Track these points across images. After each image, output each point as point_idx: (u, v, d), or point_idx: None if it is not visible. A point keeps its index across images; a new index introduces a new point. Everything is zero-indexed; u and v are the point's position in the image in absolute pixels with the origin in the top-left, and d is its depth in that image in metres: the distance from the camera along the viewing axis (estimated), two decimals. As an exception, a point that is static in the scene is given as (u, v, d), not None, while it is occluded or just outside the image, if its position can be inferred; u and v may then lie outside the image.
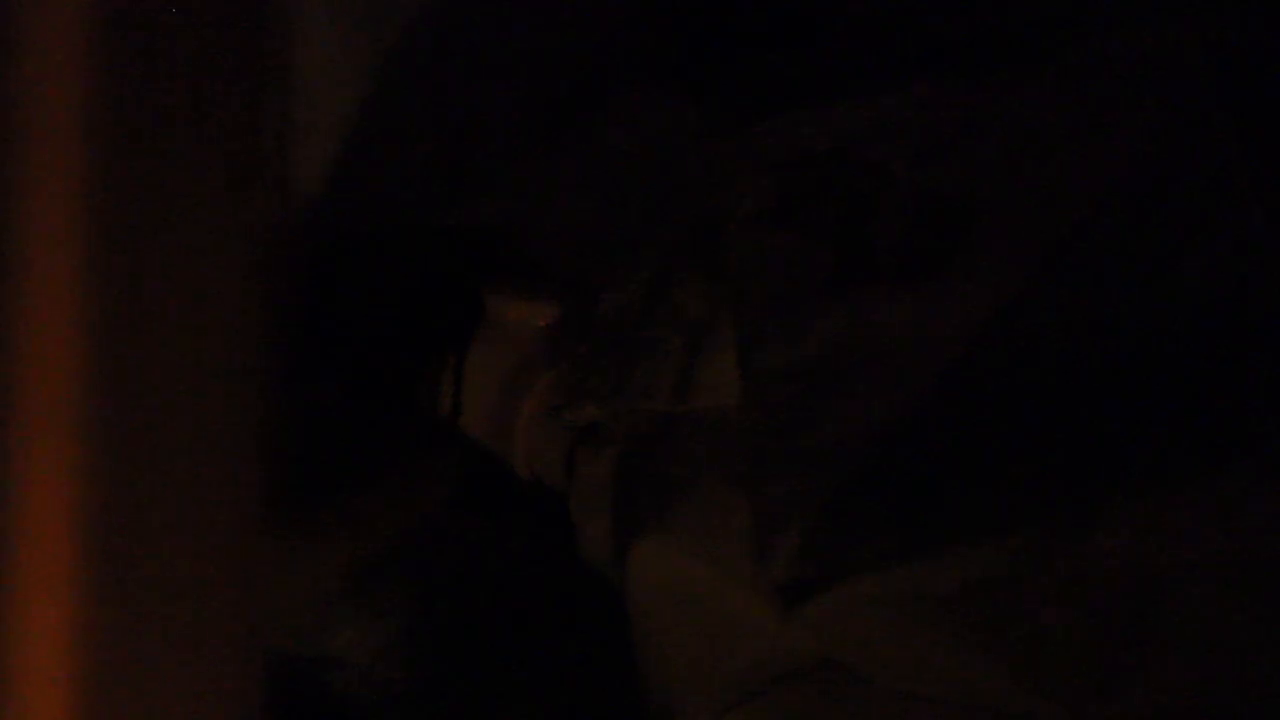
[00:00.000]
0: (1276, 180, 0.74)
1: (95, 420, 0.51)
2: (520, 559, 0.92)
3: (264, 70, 0.53)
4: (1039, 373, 0.74)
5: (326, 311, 0.93)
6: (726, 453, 0.80)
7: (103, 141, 0.50)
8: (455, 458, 0.93)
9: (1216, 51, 0.77)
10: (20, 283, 0.50)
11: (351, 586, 0.91)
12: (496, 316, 0.94)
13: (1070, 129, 0.79)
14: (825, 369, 0.78)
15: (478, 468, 0.96)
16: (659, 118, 0.91)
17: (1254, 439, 0.69)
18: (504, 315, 0.94)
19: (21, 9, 0.49)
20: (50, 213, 0.50)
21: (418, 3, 1.00)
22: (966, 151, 0.79)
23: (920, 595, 0.72)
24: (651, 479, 0.83)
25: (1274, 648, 0.67)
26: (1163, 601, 0.68)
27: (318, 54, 0.93)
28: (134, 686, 0.53)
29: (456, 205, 0.94)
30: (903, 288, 0.78)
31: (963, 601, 0.71)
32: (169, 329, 0.53)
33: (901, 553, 0.73)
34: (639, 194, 0.88)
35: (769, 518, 0.78)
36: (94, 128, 0.49)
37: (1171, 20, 0.79)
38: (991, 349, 0.75)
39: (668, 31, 0.99)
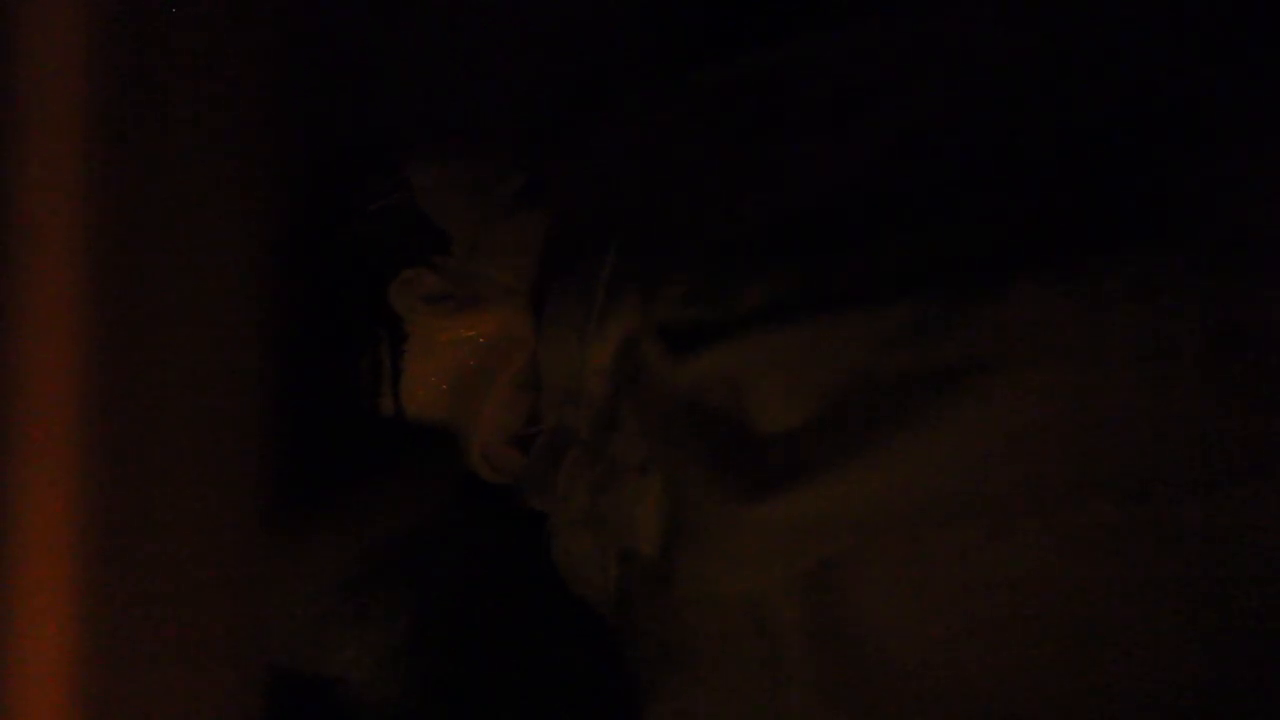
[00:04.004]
0: None
1: (95, 422, 0.51)
2: (519, 567, 0.92)
3: (264, 70, 0.53)
4: (959, 144, 0.75)
5: (327, 311, 0.93)
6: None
7: (103, 141, 0.50)
8: (454, 459, 0.93)
9: None
10: (20, 283, 0.50)
11: (350, 603, 0.91)
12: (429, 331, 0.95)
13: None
14: (735, 168, 0.81)
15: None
16: (658, 119, 0.91)
17: (1166, 216, 0.69)
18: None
19: (21, 9, 0.49)
20: (50, 213, 0.50)
21: (417, 2, 1.00)
22: (871, 56, 0.83)
23: (819, 352, 0.72)
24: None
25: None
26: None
27: (320, 53, 0.93)
28: (134, 688, 0.53)
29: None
30: (809, 134, 0.81)
31: (863, 358, 0.71)
32: (169, 329, 0.53)
33: (802, 305, 0.74)
34: (637, 193, 0.88)
35: (660, 264, 0.79)
36: (94, 128, 0.49)
37: None
38: (916, 133, 0.77)
39: (668, 31, 1.00)
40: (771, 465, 0.73)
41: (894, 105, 0.79)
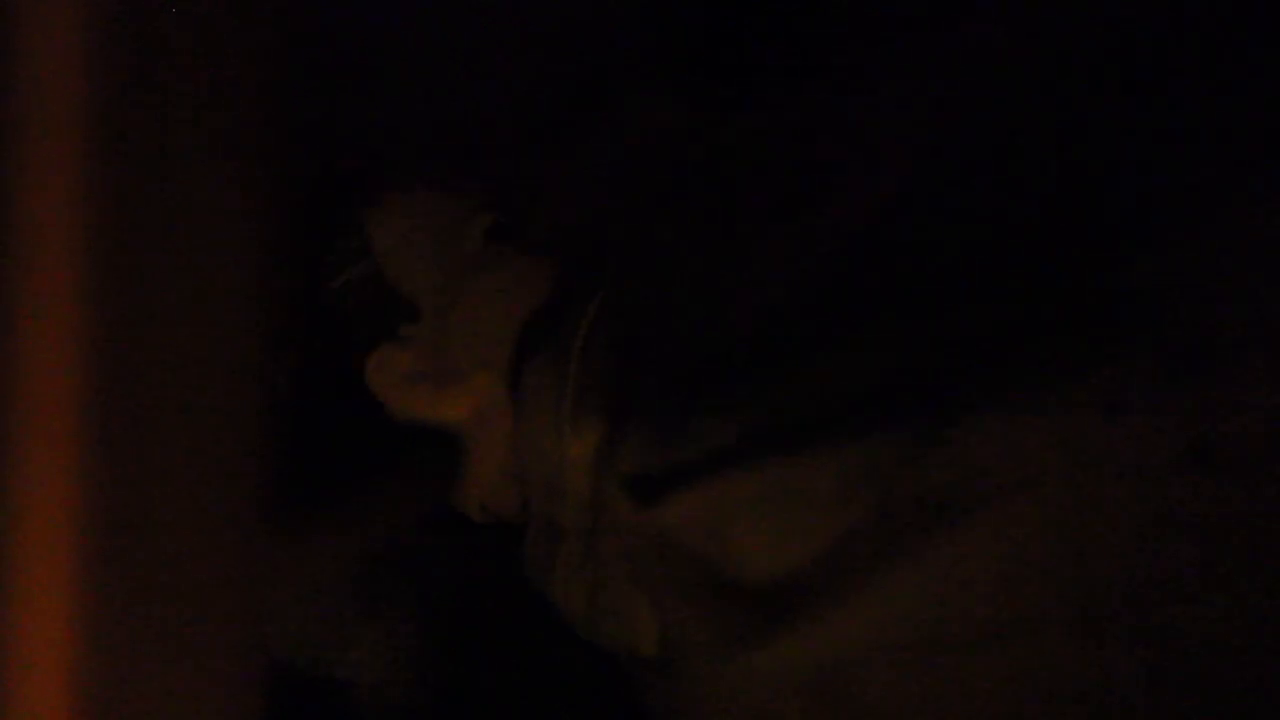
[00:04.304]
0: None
1: (95, 421, 0.51)
2: (519, 567, 0.92)
3: (264, 70, 0.53)
4: (910, 272, 0.74)
5: (326, 312, 0.93)
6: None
7: (103, 141, 0.50)
8: (454, 459, 0.93)
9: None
10: (20, 283, 0.50)
11: (356, 603, 0.90)
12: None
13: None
14: (694, 274, 0.80)
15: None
16: (658, 118, 0.91)
17: (1130, 324, 0.68)
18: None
19: (21, 9, 0.49)
20: (50, 213, 0.50)
21: (418, 3, 1.00)
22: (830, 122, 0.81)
23: (796, 492, 0.71)
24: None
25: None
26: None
27: (320, 53, 0.93)
28: (134, 686, 0.53)
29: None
30: (770, 225, 0.79)
31: (841, 496, 0.70)
32: (169, 330, 0.53)
33: (766, 444, 0.72)
34: (637, 193, 0.88)
35: (621, 408, 0.77)
36: (94, 128, 0.49)
37: None
38: (863, 253, 0.75)
39: (668, 31, 0.99)
40: (760, 613, 0.73)
41: (855, 193, 0.78)
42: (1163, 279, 0.68)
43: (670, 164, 0.86)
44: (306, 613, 0.91)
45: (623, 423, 0.77)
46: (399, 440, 0.92)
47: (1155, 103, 0.74)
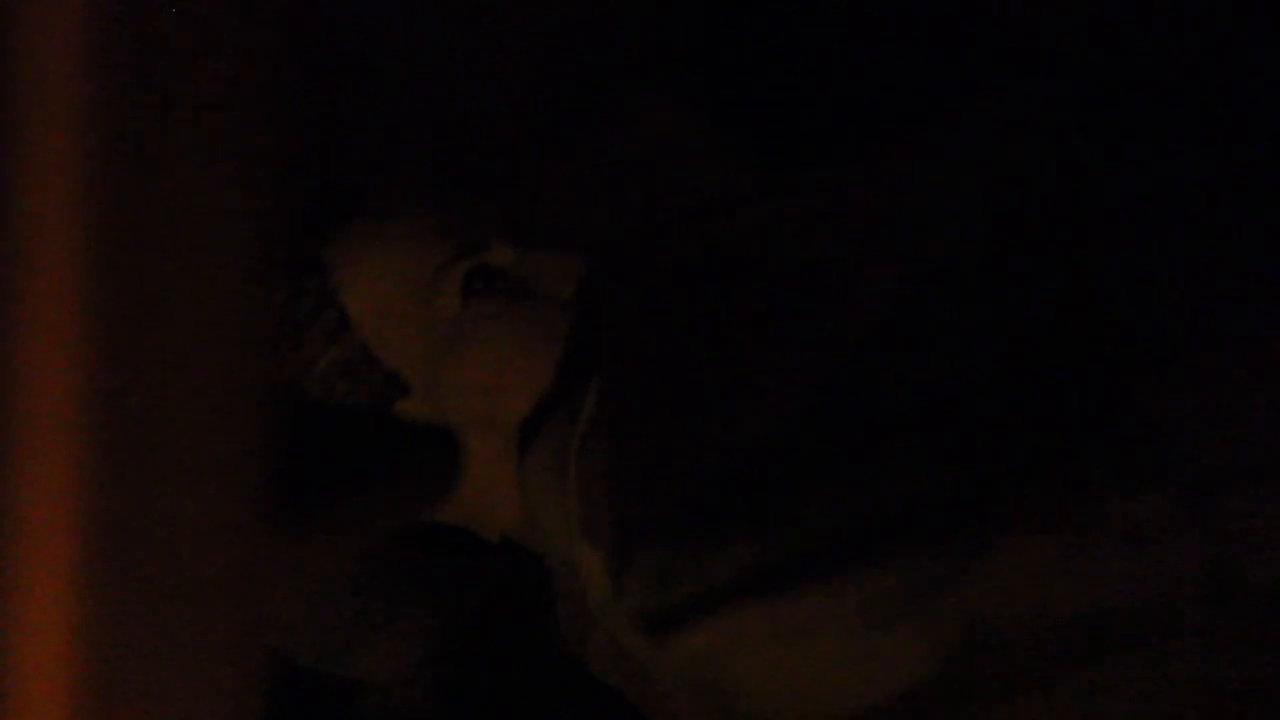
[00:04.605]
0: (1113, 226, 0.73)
1: (96, 421, 0.51)
2: (519, 567, 0.91)
3: (264, 70, 0.53)
4: (918, 380, 0.71)
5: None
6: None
7: (103, 141, 0.50)
8: (454, 459, 0.93)
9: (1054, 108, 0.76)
10: (20, 283, 0.50)
11: (359, 606, 0.90)
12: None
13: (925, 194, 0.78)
14: (691, 389, 0.77)
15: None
16: (659, 119, 0.91)
17: (1144, 452, 0.66)
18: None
19: (21, 9, 0.49)
20: (50, 213, 0.50)
21: (420, 3, 1.00)
22: (829, 228, 0.79)
23: (817, 619, 0.69)
24: None
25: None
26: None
27: (320, 53, 0.93)
28: (134, 686, 0.53)
29: None
30: (767, 334, 0.76)
31: (867, 617, 0.68)
32: (169, 330, 0.53)
33: (776, 579, 0.69)
34: (637, 194, 0.88)
35: (624, 541, 0.74)
36: (94, 128, 0.50)
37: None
38: (867, 362, 0.73)
39: (668, 32, 0.99)
40: None
41: (857, 293, 0.75)
42: (1171, 401, 0.67)
43: (664, 263, 0.83)
44: (307, 613, 0.91)
45: (625, 555, 0.74)
46: (399, 440, 0.92)
47: (1156, 161, 0.73)
